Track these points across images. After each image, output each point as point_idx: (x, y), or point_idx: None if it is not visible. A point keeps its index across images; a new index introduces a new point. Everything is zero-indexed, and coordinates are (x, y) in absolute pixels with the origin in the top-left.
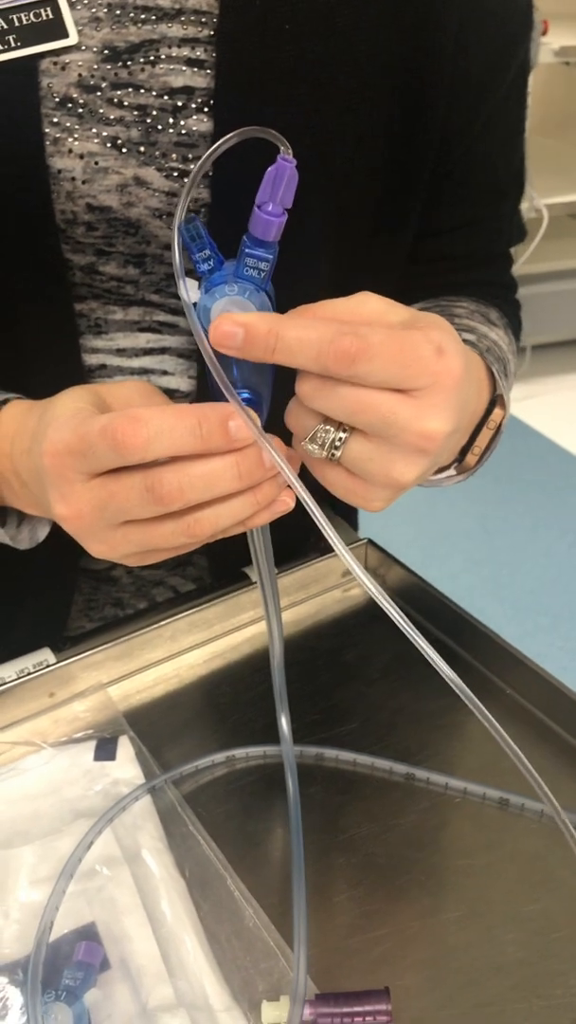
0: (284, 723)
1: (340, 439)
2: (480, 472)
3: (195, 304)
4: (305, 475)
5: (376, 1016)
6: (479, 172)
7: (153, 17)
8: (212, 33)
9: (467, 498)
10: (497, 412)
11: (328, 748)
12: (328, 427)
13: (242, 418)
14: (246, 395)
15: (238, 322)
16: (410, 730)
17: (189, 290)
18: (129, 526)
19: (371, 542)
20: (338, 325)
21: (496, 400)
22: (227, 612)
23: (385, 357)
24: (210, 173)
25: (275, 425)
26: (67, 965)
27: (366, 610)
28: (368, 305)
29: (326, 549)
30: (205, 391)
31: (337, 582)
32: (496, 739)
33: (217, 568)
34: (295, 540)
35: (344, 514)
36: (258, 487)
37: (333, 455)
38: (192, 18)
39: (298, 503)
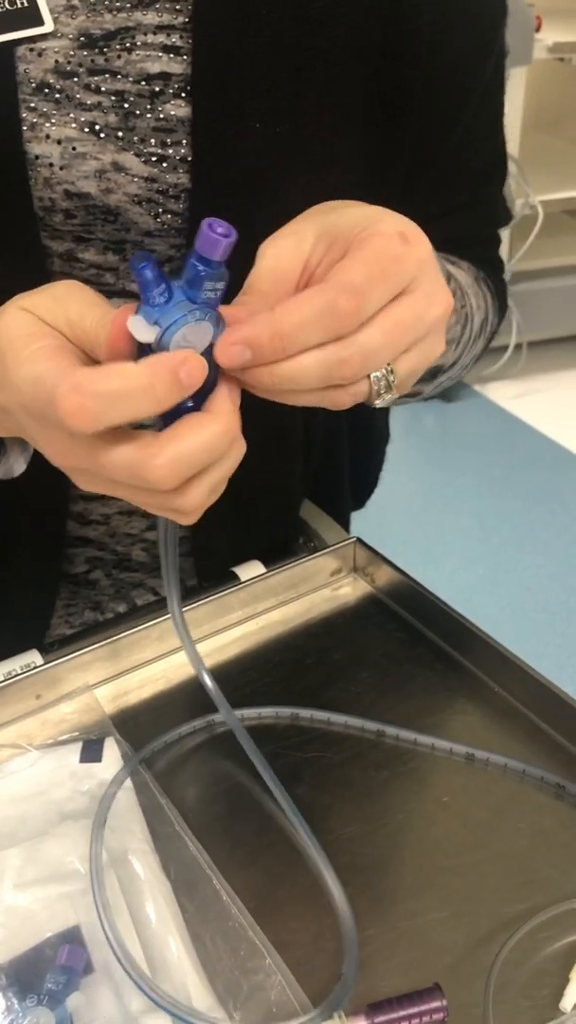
0: (208, 681)
1: (389, 370)
2: (477, 469)
3: (151, 344)
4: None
5: (432, 1014)
6: (469, 157)
7: (128, 4)
8: (187, 20)
9: (464, 496)
10: None
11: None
12: (376, 375)
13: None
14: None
15: (238, 340)
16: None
17: (142, 329)
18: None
19: (359, 540)
20: (316, 297)
21: None
22: (214, 612)
23: (376, 283)
24: (189, 158)
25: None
26: (50, 969)
27: (355, 609)
28: (299, 248)
29: (315, 548)
30: None
31: (326, 581)
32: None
33: (200, 569)
34: (284, 539)
35: (334, 513)
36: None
37: (391, 381)
38: (167, 5)
39: (292, 498)
